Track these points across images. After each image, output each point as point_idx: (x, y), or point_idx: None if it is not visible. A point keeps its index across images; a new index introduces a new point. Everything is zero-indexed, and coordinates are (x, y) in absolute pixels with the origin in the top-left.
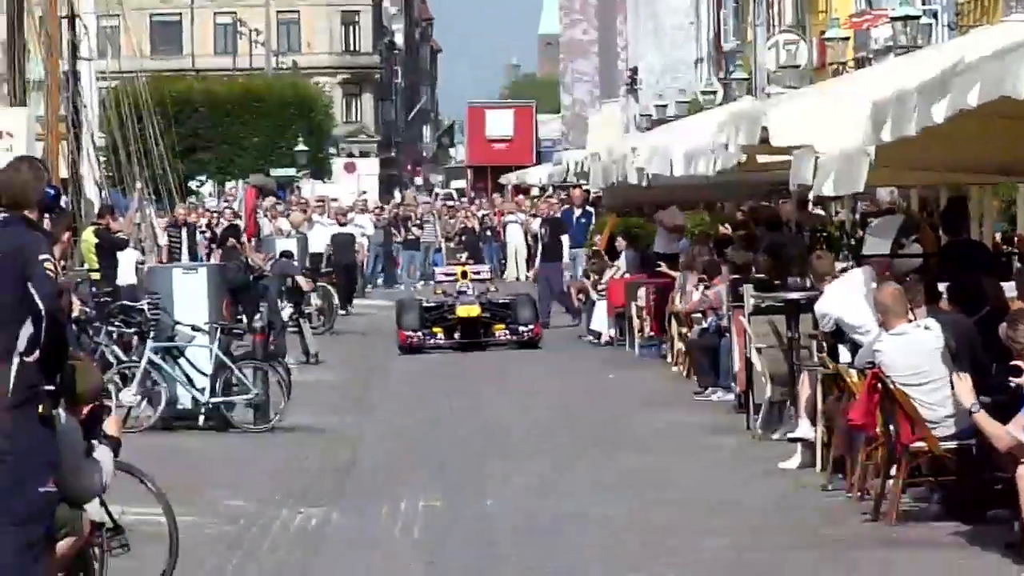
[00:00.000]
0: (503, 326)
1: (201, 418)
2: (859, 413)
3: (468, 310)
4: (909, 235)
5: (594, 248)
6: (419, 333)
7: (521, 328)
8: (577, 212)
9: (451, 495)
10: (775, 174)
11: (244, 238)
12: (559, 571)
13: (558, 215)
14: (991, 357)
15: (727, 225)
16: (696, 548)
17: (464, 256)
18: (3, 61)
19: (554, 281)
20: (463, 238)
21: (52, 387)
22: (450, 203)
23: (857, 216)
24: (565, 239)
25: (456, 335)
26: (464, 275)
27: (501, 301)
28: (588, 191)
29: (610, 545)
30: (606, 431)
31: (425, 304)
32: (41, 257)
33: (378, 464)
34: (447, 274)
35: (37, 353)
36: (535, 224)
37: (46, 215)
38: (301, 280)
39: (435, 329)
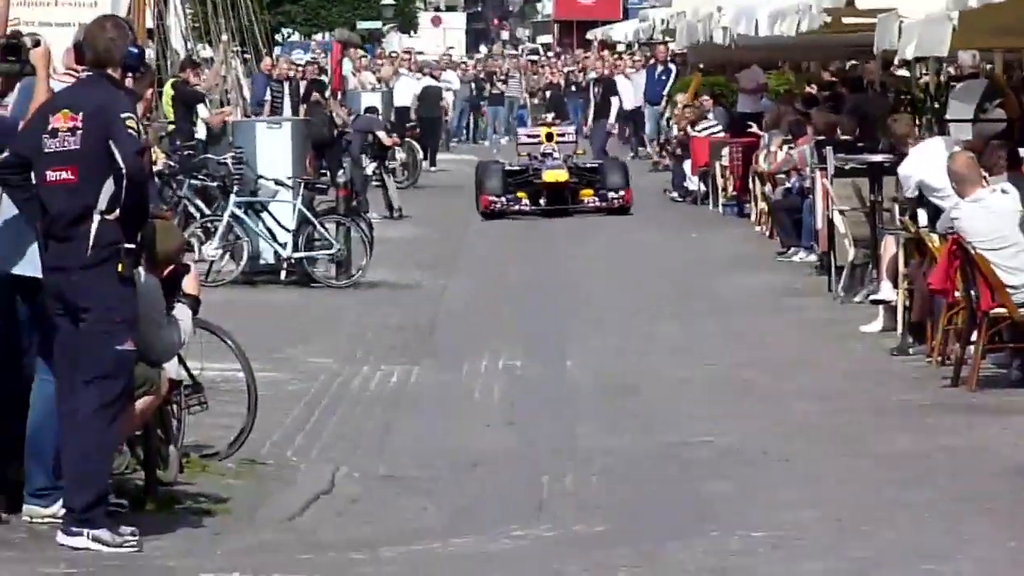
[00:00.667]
0: (591, 191)
1: (283, 273)
2: (938, 278)
3: (555, 175)
4: (992, 100)
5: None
6: (503, 198)
7: (610, 194)
8: (659, 69)
9: (531, 355)
10: (860, 36)
11: (329, 92)
12: (638, 431)
13: (608, 74)
14: None
15: (813, 85)
16: (777, 410)
17: (550, 116)
18: None
19: (596, 138)
20: (547, 94)
21: (132, 246)
22: (534, 58)
23: (941, 79)
24: (614, 100)
25: (541, 200)
26: (549, 137)
27: (589, 165)
28: (671, 49)
29: (690, 406)
30: (689, 292)
31: (508, 167)
32: (123, 115)
33: (459, 323)
34: (531, 136)
35: (117, 211)
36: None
37: (129, 74)
38: (383, 135)
39: (519, 194)
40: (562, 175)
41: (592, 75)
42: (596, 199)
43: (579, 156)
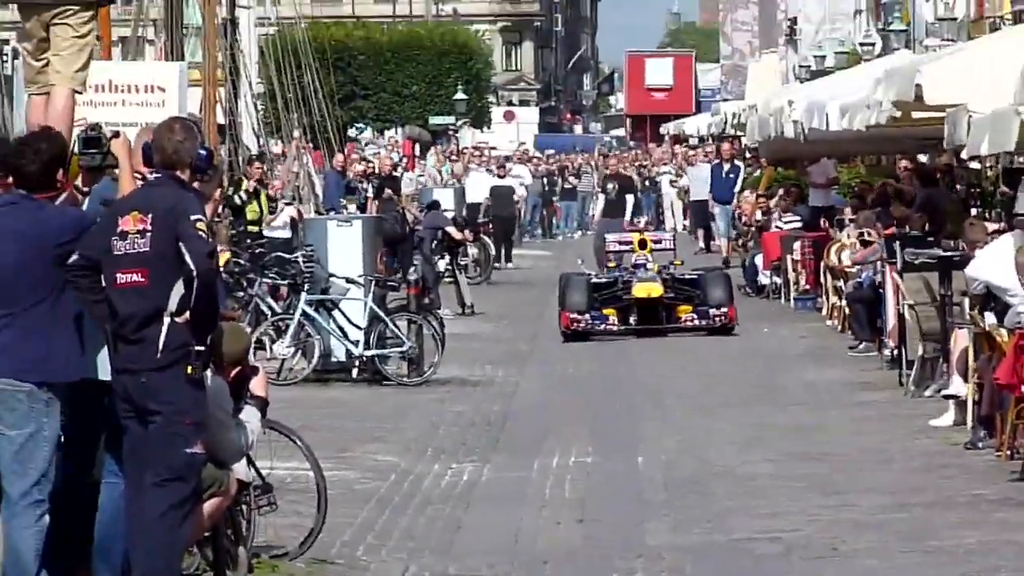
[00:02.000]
0: (689, 308)
1: (355, 371)
2: (1005, 373)
3: (648, 289)
4: None
5: (759, 194)
6: (587, 315)
7: (712, 310)
8: (726, 167)
9: (602, 451)
10: (929, 129)
11: (402, 189)
12: (708, 527)
13: (627, 173)
14: None
15: (891, 181)
16: (844, 504)
17: (643, 221)
18: (162, 8)
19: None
20: (617, 185)
21: (202, 348)
22: (606, 152)
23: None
24: (629, 198)
25: (632, 319)
26: (643, 245)
27: (687, 277)
28: (739, 145)
29: (758, 501)
30: (761, 386)
31: (595, 280)
32: (193, 217)
33: (530, 419)
34: (622, 242)
35: (187, 314)
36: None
37: (198, 176)
38: (452, 230)
39: (607, 311)
40: (656, 289)
41: (658, 169)
42: (695, 316)
43: (677, 267)
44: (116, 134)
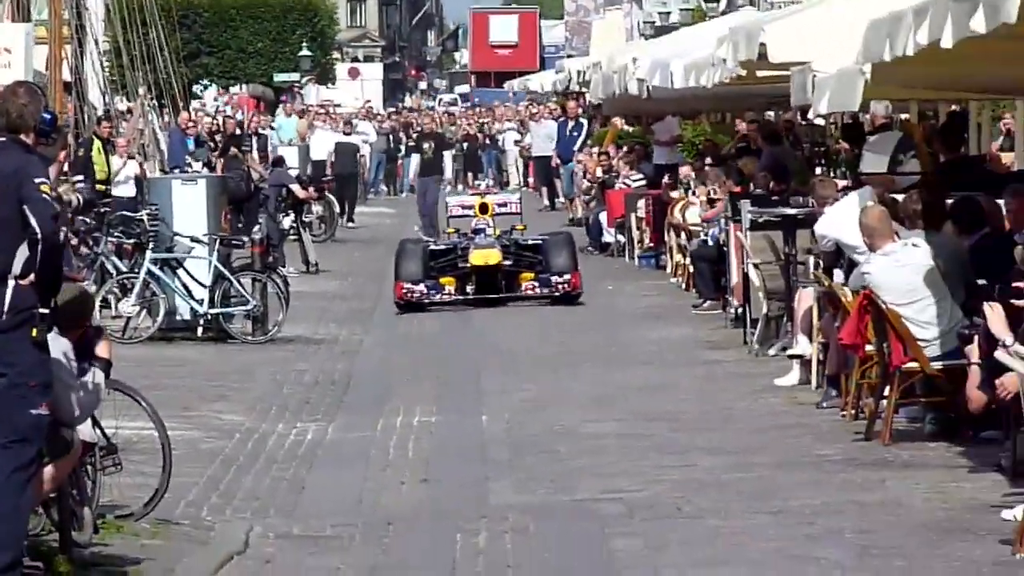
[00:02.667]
0: (531, 275)
1: (199, 329)
2: (849, 334)
3: (485, 255)
4: (907, 151)
5: (601, 152)
6: (422, 285)
7: (554, 278)
8: (570, 124)
9: (446, 411)
10: (775, 87)
11: (247, 146)
12: (552, 487)
13: (440, 131)
14: (990, 278)
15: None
16: (688, 464)
17: (483, 183)
18: None
19: (430, 193)
20: (464, 146)
21: (46, 310)
22: (452, 109)
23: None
24: (447, 155)
25: (469, 288)
26: (484, 209)
27: (530, 242)
28: (583, 102)
29: (602, 461)
30: (604, 345)
31: (432, 248)
32: (37, 180)
33: (375, 379)
34: (464, 206)
35: (32, 276)
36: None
37: (42, 139)
38: (297, 188)
39: (444, 280)
40: (494, 256)
41: (500, 126)
42: (536, 284)
43: (520, 232)
44: None
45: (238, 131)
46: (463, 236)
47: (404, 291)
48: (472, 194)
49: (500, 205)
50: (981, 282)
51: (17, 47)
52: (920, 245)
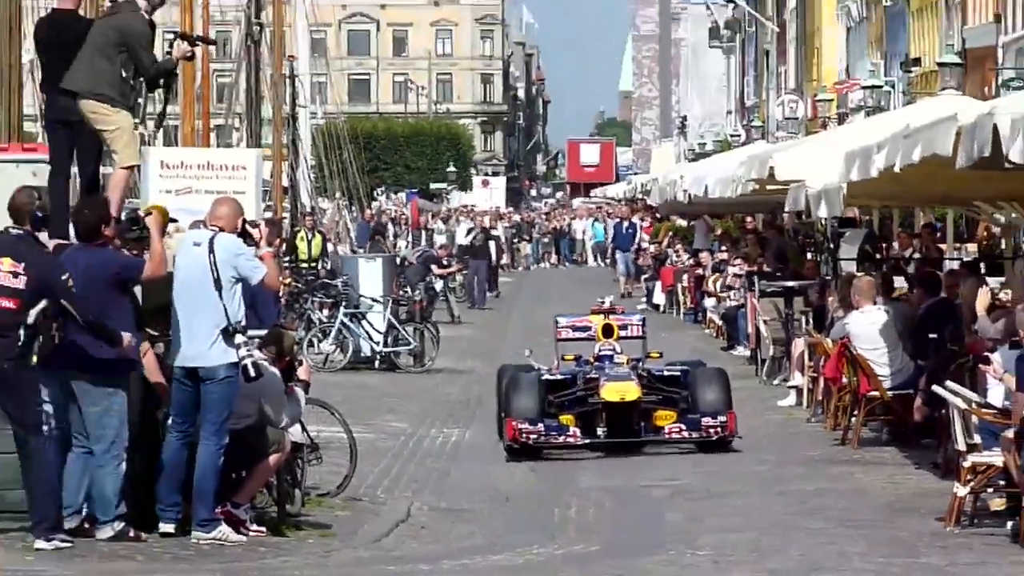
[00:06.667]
0: (674, 415)
1: (376, 362)
2: (830, 370)
3: (621, 390)
4: (872, 243)
5: (656, 242)
6: (540, 425)
7: (705, 419)
8: (625, 224)
9: None
10: (781, 196)
11: (388, 234)
12: (622, 476)
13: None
14: (941, 333)
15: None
16: (718, 461)
17: (606, 301)
18: (244, 105)
19: (480, 271)
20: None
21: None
22: (546, 211)
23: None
24: (491, 244)
25: (600, 429)
26: (608, 331)
27: (667, 374)
28: (635, 207)
29: (655, 459)
30: None
31: (548, 377)
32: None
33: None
34: (577, 328)
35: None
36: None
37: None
38: (435, 267)
39: (564, 418)
40: (632, 390)
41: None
42: (682, 426)
43: (654, 359)
44: (148, 212)
45: (390, 224)
46: (584, 363)
47: (517, 431)
48: (593, 312)
49: (622, 327)
50: (932, 336)
51: (251, 165)
52: (888, 311)
